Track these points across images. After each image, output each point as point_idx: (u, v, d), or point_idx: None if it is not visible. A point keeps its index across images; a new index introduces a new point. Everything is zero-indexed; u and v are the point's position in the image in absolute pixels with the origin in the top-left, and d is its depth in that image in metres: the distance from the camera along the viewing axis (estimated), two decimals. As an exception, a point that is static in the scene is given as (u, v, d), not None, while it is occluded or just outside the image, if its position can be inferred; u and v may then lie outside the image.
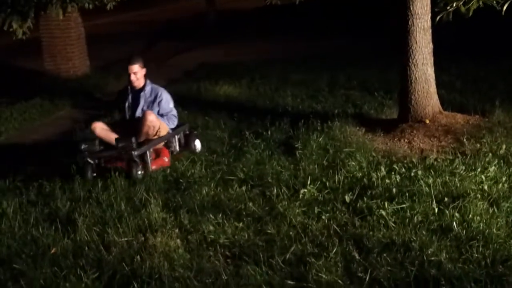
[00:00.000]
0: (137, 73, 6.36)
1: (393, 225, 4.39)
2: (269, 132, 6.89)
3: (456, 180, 5.11)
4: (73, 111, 8.88)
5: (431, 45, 6.70)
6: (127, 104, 6.47)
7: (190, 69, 11.84)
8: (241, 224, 4.56)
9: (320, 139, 6.40)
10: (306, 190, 5.12)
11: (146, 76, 6.48)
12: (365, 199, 4.87)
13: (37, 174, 5.95)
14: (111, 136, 6.09)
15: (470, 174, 5.23)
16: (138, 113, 6.35)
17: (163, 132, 6.27)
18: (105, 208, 5.00)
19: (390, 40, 7.29)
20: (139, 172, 5.71)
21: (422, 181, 5.11)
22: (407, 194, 4.86)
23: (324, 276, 3.71)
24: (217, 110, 8.10)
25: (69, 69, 11.38)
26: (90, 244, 4.40)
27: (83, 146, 5.90)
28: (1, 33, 7.76)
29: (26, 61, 12.34)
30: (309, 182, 5.26)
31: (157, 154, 6.14)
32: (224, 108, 8.20)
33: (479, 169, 5.32)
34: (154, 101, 6.37)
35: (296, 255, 4.05)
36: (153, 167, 5.91)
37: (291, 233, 4.37)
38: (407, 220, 4.45)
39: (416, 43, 6.59)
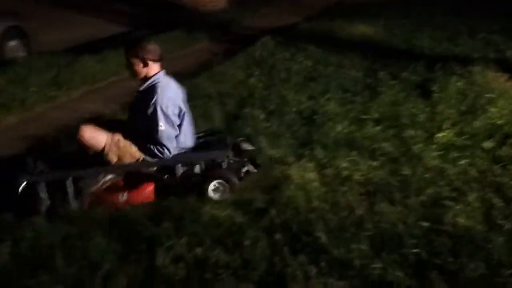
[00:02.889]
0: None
1: (536, 175, 4.23)
2: (404, 74, 6.75)
3: None
4: (211, 44, 9.14)
5: None
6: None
7: (326, 6, 11.73)
8: (375, 163, 4.56)
9: (459, 83, 6.20)
10: (443, 134, 5.02)
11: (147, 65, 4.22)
12: (506, 147, 4.70)
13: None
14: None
15: None
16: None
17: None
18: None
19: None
20: None
21: None
22: (553, 145, 4.64)
23: (461, 220, 3.67)
24: (352, 49, 8.02)
25: (207, 3, 11.66)
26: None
27: None
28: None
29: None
30: (446, 126, 5.14)
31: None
32: (358, 47, 8.11)
33: None
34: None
35: (431, 198, 4.00)
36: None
37: (426, 175, 4.32)
38: (551, 171, 4.27)
39: None
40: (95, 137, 4.13)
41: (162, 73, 4.28)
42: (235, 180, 4.16)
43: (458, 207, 3.82)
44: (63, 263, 3.34)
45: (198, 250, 3.42)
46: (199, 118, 5.54)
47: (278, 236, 3.59)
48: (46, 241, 3.56)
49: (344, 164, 4.53)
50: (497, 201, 3.89)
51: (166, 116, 4.13)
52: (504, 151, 4.65)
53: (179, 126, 4.25)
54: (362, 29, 9.28)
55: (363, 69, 7.16)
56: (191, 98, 6.17)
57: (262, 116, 5.61)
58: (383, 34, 8.98)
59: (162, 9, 11.89)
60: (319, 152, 4.77)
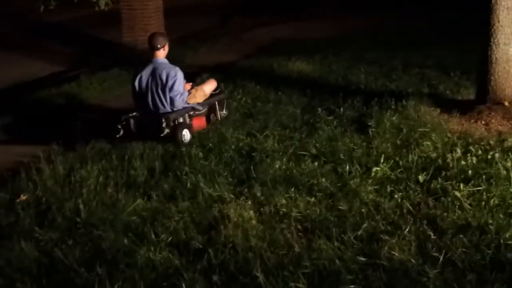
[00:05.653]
0: None
1: (468, 207, 4.32)
2: (341, 109, 6.86)
3: (536, 164, 4.97)
4: (150, 83, 9.05)
5: (514, 25, 6.48)
6: None
7: (264, 44, 11.89)
8: (313, 199, 4.59)
9: (394, 117, 6.34)
10: (378, 169, 5.09)
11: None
12: (439, 179, 4.81)
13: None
14: None
15: (551, 159, 5.08)
16: None
17: None
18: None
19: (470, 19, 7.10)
20: None
21: (499, 164, 4.99)
22: (483, 177, 4.76)
23: (396, 254, 3.71)
24: (290, 86, 8.11)
25: (147, 41, 11.57)
26: (165, 212, 4.51)
27: None
28: (81, 5, 7.98)
29: (104, 33, 12.67)
30: (382, 161, 5.22)
31: None
32: (296, 84, 8.20)
33: (560, 155, 5.15)
34: None
35: (368, 232, 4.05)
36: None
37: (363, 210, 4.37)
38: (483, 203, 4.38)
39: (499, 22, 6.38)
40: None
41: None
42: None
43: (393, 240, 3.86)
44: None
45: (133, 296, 3.33)
46: (138, 157, 5.51)
47: (215, 277, 3.54)
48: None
49: (282, 201, 4.55)
50: (431, 234, 3.96)
51: None
52: (438, 183, 4.75)
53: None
54: (299, 66, 9.42)
55: (301, 106, 7.24)
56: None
57: (200, 154, 5.58)
58: (320, 71, 9.13)
59: (100, 48, 11.80)
60: (257, 190, 4.76)
